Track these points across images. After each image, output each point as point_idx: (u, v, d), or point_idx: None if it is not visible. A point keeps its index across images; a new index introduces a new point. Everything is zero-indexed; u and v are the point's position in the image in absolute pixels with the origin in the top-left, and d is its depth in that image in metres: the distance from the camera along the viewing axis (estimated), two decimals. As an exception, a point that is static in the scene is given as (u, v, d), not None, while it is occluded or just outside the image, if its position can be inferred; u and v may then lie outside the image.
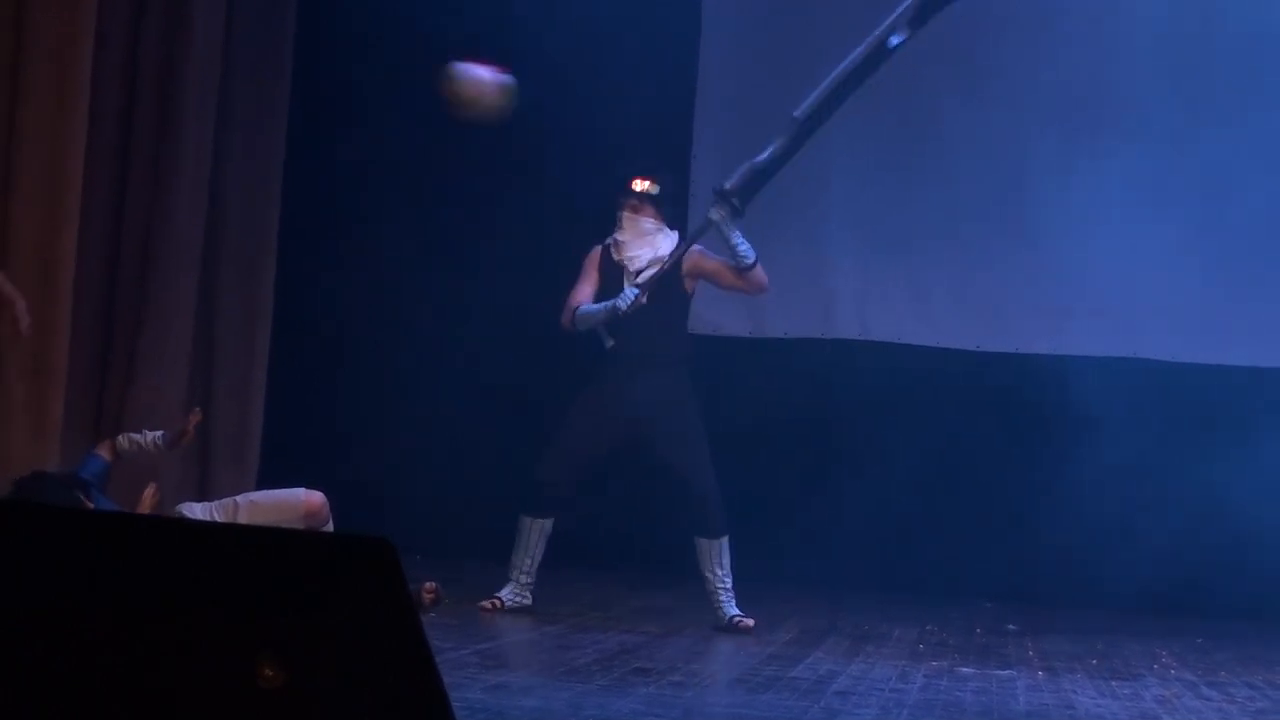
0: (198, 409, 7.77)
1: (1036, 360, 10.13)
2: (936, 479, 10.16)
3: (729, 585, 7.76)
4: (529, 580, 7.85)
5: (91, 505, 6.62)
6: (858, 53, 7.87)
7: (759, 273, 7.83)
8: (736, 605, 7.76)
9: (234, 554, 2.26)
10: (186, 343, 9.42)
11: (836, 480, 10.00)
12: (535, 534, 7.82)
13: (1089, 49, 10.18)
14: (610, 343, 7.73)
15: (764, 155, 7.84)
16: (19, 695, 2.28)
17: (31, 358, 8.22)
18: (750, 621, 7.70)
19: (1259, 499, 9.77)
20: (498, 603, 7.83)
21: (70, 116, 8.26)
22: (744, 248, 7.76)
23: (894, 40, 7.84)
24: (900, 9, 7.85)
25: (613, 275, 7.85)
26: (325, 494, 7.36)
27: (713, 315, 9.73)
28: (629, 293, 7.65)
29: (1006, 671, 6.90)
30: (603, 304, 7.74)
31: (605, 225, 8.11)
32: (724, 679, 6.39)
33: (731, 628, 7.67)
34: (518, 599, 7.85)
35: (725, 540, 7.75)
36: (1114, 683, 6.73)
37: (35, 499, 6.47)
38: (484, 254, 10.58)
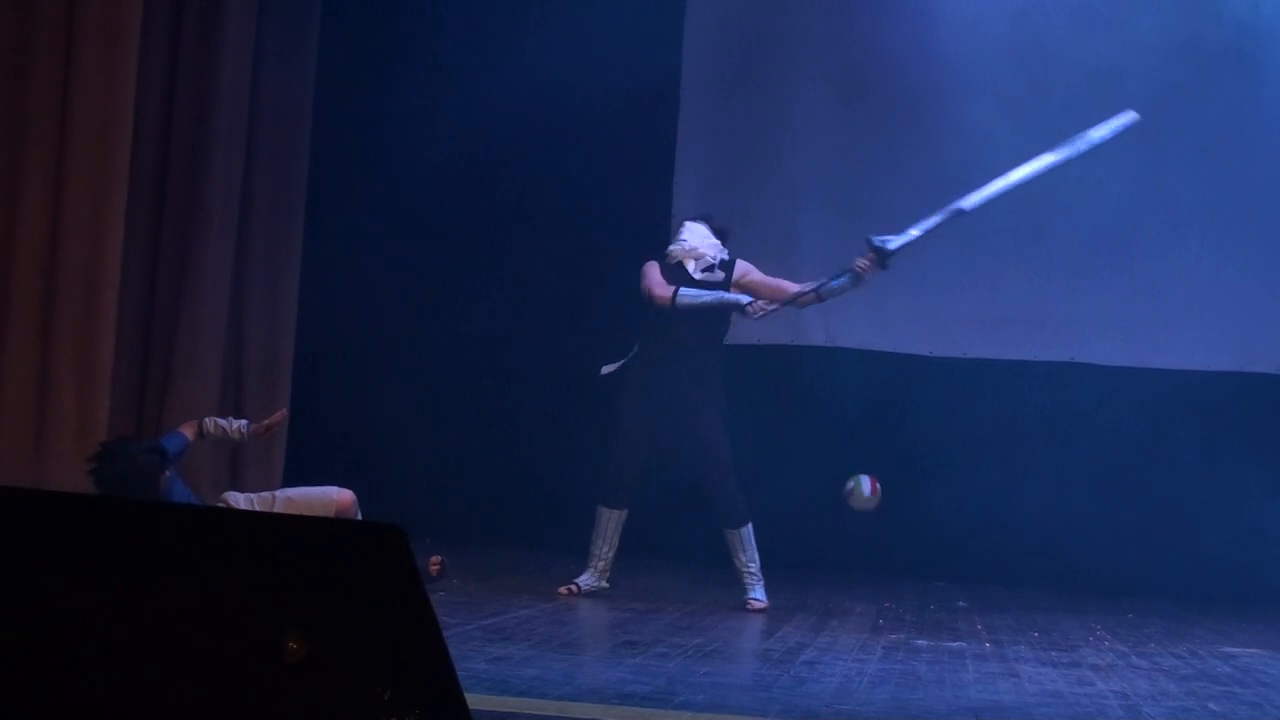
0: (283, 409, 7.80)
1: (984, 364, 10.13)
2: (892, 473, 10.09)
3: (754, 570, 7.74)
4: (605, 567, 7.84)
5: (167, 474, 6.61)
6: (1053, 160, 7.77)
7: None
8: (763, 590, 7.71)
9: (263, 539, 2.30)
10: (218, 350, 9.42)
11: (803, 475, 9.92)
12: (612, 524, 7.82)
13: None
14: (605, 370, 7.71)
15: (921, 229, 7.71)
16: (81, 657, 2.31)
17: (79, 365, 8.24)
18: (760, 605, 7.64)
19: (1181, 492, 9.81)
20: (575, 588, 7.81)
21: (114, 149, 8.31)
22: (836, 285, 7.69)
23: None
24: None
25: (674, 275, 7.73)
26: (346, 486, 7.36)
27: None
28: (762, 302, 7.56)
29: (957, 644, 6.90)
30: (712, 294, 7.57)
31: (602, 233, 8.18)
32: (703, 651, 6.33)
33: (743, 607, 7.65)
34: (595, 583, 7.85)
35: (748, 529, 7.73)
36: (1054, 653, 6.73)
37: (118, 461, 6.50)
38: (489, 266, 10.58)
